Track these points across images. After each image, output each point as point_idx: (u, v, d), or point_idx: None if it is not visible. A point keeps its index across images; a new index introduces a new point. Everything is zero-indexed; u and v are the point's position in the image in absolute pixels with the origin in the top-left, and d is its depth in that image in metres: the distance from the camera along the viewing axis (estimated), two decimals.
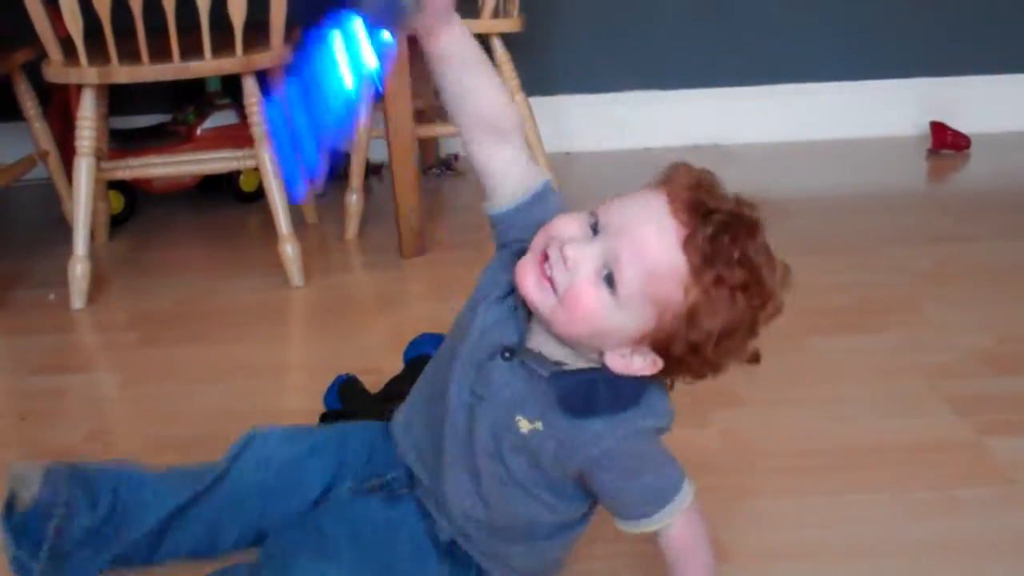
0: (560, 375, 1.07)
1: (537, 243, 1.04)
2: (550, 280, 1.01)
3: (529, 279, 1.02)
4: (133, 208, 2.82)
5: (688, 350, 1.02)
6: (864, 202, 2.79)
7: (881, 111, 3.29)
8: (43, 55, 2.24)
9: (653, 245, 0.99)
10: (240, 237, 2.71)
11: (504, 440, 1.09)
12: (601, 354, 1.05)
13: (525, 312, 1.08)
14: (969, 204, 2.77)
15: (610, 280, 1.00)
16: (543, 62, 3.13)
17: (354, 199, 2.58)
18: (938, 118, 3.19)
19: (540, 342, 1.08)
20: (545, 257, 1.02)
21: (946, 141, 3.16)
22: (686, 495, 1.11)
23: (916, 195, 2.93)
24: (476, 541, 1.16)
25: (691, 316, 1.00)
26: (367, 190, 2.68)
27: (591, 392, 1.07)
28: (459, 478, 1.13)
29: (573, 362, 1.08)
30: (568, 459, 1.08)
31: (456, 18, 1.09)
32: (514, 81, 2.62)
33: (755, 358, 1.08)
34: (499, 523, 1.15)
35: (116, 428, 1.81)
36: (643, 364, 1.05)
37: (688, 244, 0.98)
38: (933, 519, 1.39)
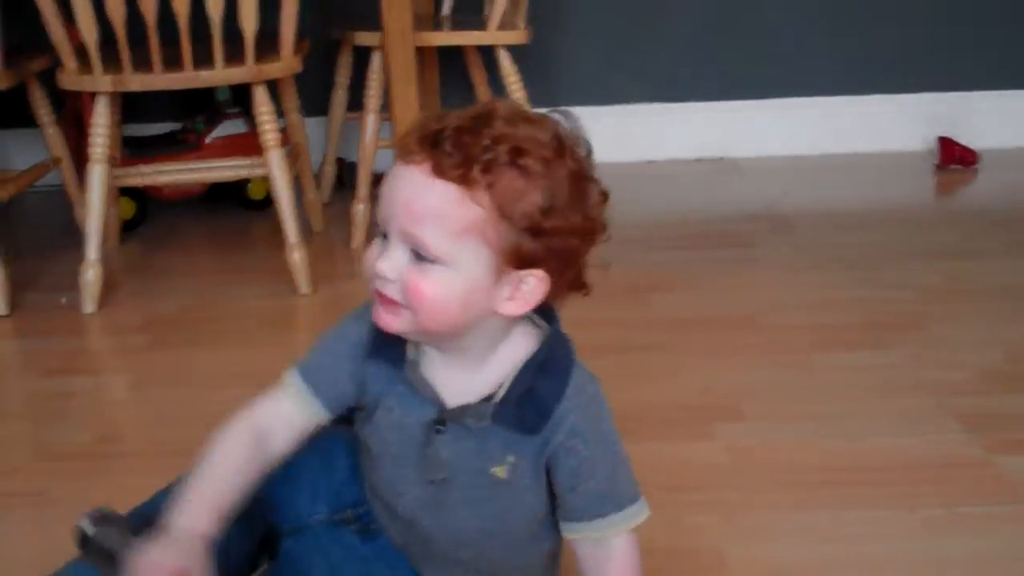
0: (498, 409, 1.03)
1: (370, 289, 1.03)
2: (392, 302, 0.99)
3: (381, 316, 1.01)
4: (144, 214, 2.84)
5: (536, 242, 0.97)
6: (871, 217, 2.79)
7: (889, 126, 3.29)
8: (58, 63, 2.26)
9: (415, 197, 0.96)
10: (248, 244, 2.73)
11: (485, 494, 1.07)
12: (497, 317, 1.02)
13: (402, 372, 1.06)
14: (977, 220, 2.77)
15: (420, 256, 0.97)
16: (549, 74, 3.14)
17: (361, 208, 2.60)
18: (946, 133, 3.19)
19: (443, 377, 1.05)
20: (378, 294, 1.00)
21: (954, 156, 3.16)
22: (643, 508, 1.08)
23: (924, 210, 2.93)
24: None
25: (503, 213, 0.96)
26: (373, 200, 2.69)
27: (533, 398, 1.04)
28: (450, 557, 1.12)
29: (495, 366, 1.05)
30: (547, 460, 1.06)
31: None
32: (520, 93, 2.63)
33: (605, 196, 1.03)
34: (499, 551, 1.13)
35: (125, 431, 1.82)
36: (529, 287, 1.00)
37: (437, 170, 0.96)
38: (940, 536, 1.39)
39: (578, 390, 1.05)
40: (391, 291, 0.99)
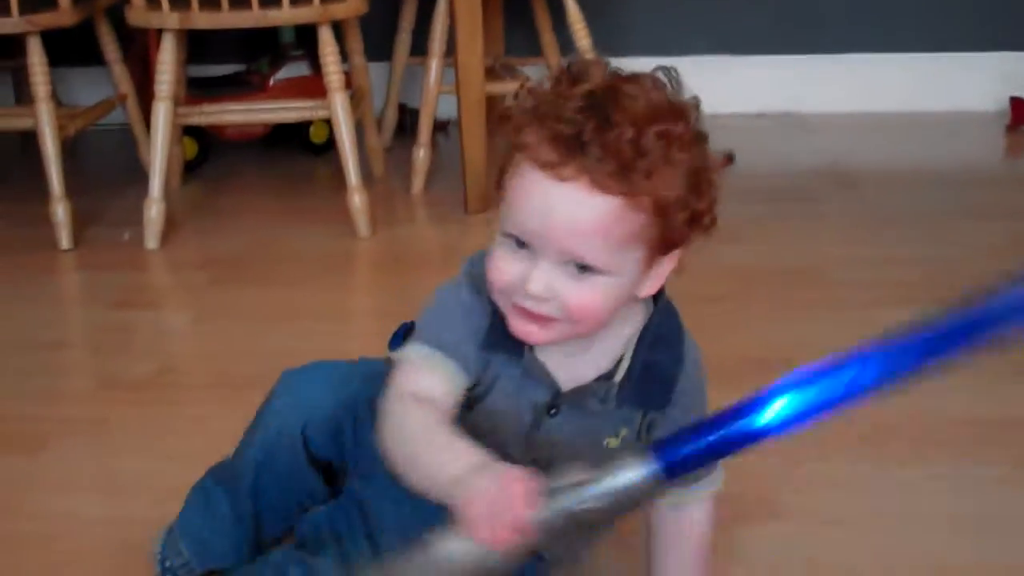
0: (621, 389, 1.00)
1: (503, 306, 0.96)
2: (542, 317, 0.94)
3: (525, 328, 0.95)
4: (206, 155, 2.87)
5: (686, 227, 0.94)
6: (938, 176, 2.75)
7: (959, 84, 3.23)
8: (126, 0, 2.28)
9: (578, 218, 0.89)
10: (309, 187, 2.75)
11: (592, 463, 1.06)
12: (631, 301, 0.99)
13: (519, 357, 1.00)
14: None
15: (583, 268, 0.91)
16: (614, 23, 3.12)
17: (421, 154, 2.60)
18: (1019, 93, 3.13)
19: (556, 359, 1.01)
20: (521, 310, 0.94)
21: None
22: (720, 475, 1.07)
23: (993, 171, 2.88)
24: None
25: (662, 212, 0.91)
26: (434, 146, 2.70)
27: (655, 374, 1.01)
28: None
29: (607, 343, 1.01)
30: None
31: None
32: (585, 40, 2.61)
33: (730, 159, 1.01)
34: None
35: (185, 363, 1.85)
36: (664, 265, 0.97)
37: (598, 185, 0.88)
38: (1005, 493, 1.37)
39: (689, 360, 1.03)
40: (545, 309, 0.93)
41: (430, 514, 0.98)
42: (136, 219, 2.31)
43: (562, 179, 0.89)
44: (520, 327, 0.95)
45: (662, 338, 1.01)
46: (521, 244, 0.92)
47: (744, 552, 1.25)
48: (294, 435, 1.16)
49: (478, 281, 0.99)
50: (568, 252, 0.90)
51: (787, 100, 3.24)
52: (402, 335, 1.67)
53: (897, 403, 1.57)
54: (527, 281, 0.92)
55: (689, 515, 1.07)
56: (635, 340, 1.00)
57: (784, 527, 1.30)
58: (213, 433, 1.46)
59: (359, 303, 2.14)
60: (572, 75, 0.93)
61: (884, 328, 1.89)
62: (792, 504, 1.34)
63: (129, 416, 1.61)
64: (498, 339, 0.99)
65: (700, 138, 0.94)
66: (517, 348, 0.99)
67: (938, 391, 1.61)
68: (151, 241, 2.29)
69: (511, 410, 1.02)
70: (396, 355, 1.02)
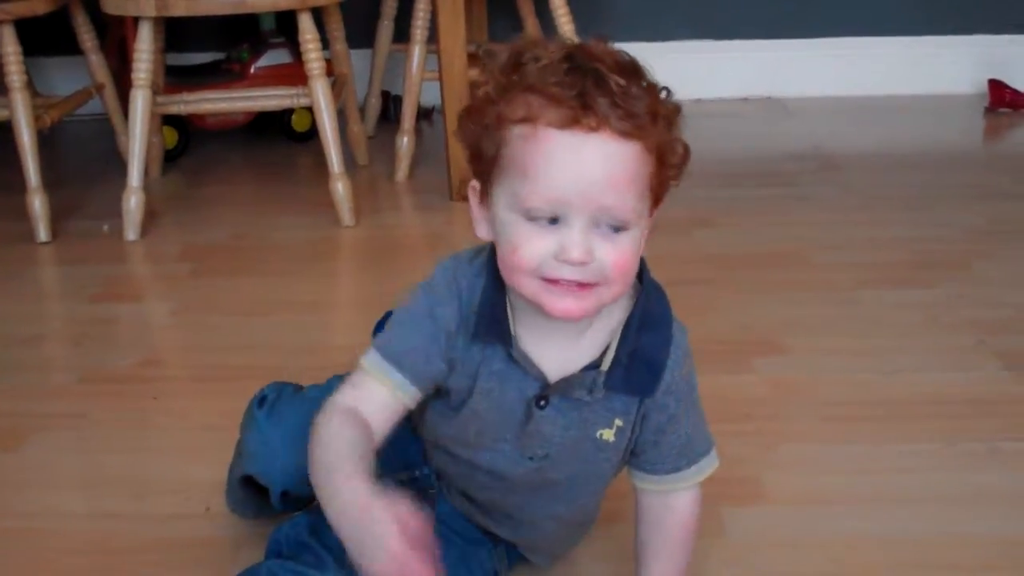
0: (608, 376, 0.99)
1: (531, 289, 0.93)
2: (581, 286, 0.91)
3: (563, 304, 0.92)
4: (186, 145, 2.85)
5: (670, 183, 0.95)
6: (919, 159, 2.75)
7: (939, 68, 3.24)
8: None
9: (615, 169, 0.89)
10: (291, 176, 2.73)
11: (591, 459, 1.04)
12: None
13: (502, 350, 0.99)
14: None
15: (614, 226, 0.90)
16: (596, 8, 3.11)
17: (405, 141, 2.59)
18: (997, 76, 3.14)
19: (541, 350, 0.99)
20: (557, 283, 0.92)
21: (1004, 99, 3.11)
22: (713, 460, 1.07)
23: (972, 153, 2.90)
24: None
25: (663, 160, 0.92)
26: (418, 133, 2.69)
27: (642, 359, 0.99)
28: (540, 520, 1.11)
29: (597, 332, 1.00)
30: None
31: None
32: (569, 27, 2.60)
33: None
34: (586, 504, 1.12)
35: (167, 356, 1.84)
36: (649, 226, 0.97)
37: (619, 132, 0.88)
38: (979, 471, 1.38)
39: (677, 344, 1.01)
40: (585, 275, 0.91)
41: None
42: (115, 210, 2.29)
43: (591, 130, 0.88)
44: (557, 304, 0.92)
45: (650, 320, 0.99)
46: (544, 218, 0.90)
47: (729, 531, 1.25)
48: None
49: (450, 275, 0.99)
50: (603, 209, 0.89)
51: (769, 84, 3.24)
52: (385, 324, 1.67)
53: (875, 383, 1.59)
54: (565, 249, 0.89)
55: (676, 501, 1.07)
56: (622, 326, 0.99)
57: (767, 508, 1.30)
58: (196, 426, 1.46)
59: (343, 293, 2.14)
60: (518, 51, 0.92)
61: (867, 308, 1.91)
62: (775, 485, 1.34)
63: (110, 410, 1.60)
64: (486, 325, 0.98)
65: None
66: (507, 333, 0.98)
67: (915, 370, 1.64)
68: (131, 232, 2.28)
69: (499, 406, 1.01)
70: (359, 361, 1.01)
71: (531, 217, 0.90)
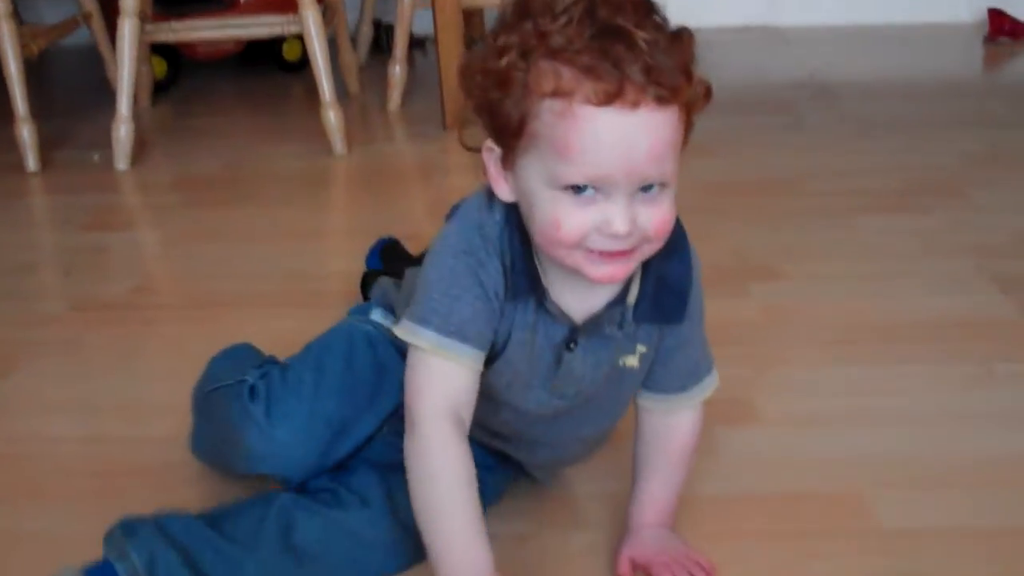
0: (636, 308, 0.98)
1: (572, 259, 0.91)
2: (623, 253, 0.90)
3: (606, 271, 0.90)
4: (176, 75, 2.82)
5: (693, 121, 0.92)
6: (917, 87, 2.73)
7: None
8: None
9: (655, 140, 0.86)
10: (283, 105, 2.71)
11: (616, 386, 1.04)
12: None
13: (534, 302, 0.98)
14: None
15: (653, 188, 0.88)
16: None
17: (397, 70, 2.56)
18: (996, 5, 3.10)
19: (568, 295, 0.98)
20: (599, 254, 0.90)
21: (1003, 29, 3.08)
22: (715, 379, 1.08)
23: (970, 82, 2.88)
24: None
25: (689, 113, 0.90)
26: (411, 62, 2.66)
27: (667, 286, 0.99)
28: (564, 443, 1.11)
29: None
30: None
31: None
32: None
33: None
34: (603, 432, 1.12)
35: (159, 284, 1.83)
36: None
37: (660, 100, 0.85)
38: (973, 392, 1.38)
39: (695, 267, 1.01)
40: (628, 244, 0.89)
41: None
42: (105, 140, 2.27)
43: (633, 106, 0.84)
44: (600, 272, 0.90)
45: (670, 246, 0.96)
46: (582, 189, 0.87)
47: (721, 451, 1.25)
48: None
49: (477, 233, 0.96)
50: (648, 178, 0.87)
51: (767, 13, 3.21)
52: (378, 250, 1.66)
53: (871, 308, 1.59)
54: (609, 223, 0.87)
55: (680, 420, 1.07)
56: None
57: (761, 429, 1.30)
58: (187, 353, 1.44)
59: (336, 221, 2.12)
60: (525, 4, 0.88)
61: (863, 234, 1.90)
62: (768, 407, 1.34)
63: (102, 337, 1.59)
64: (518, 283, 0.96)
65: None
66: (537, 292, 0.96)
67: (912, 294, 1.63)
68: (121, 162, 2.26)
69: (531, 356, 1.00)
70: (409, 339, 0.96)
71: (570, 190, 0.88)
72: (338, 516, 1.05)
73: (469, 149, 0.97)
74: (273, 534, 1.03)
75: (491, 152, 0.93)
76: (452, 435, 0.94)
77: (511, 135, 0.89)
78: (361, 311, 1.18)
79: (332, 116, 2.29)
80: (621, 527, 1.09)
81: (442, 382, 0.95)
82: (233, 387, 1.13)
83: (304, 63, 2.61)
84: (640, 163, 0.86)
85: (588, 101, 0.84)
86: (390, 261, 1.65)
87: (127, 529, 1.01)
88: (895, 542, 1.10)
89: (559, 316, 0.98)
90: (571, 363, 1.00)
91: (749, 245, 1.82)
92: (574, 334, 0.98)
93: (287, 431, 1.08)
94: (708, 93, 0.92)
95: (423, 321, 0.96)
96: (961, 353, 1.46)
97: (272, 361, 1.19)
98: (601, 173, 0.86)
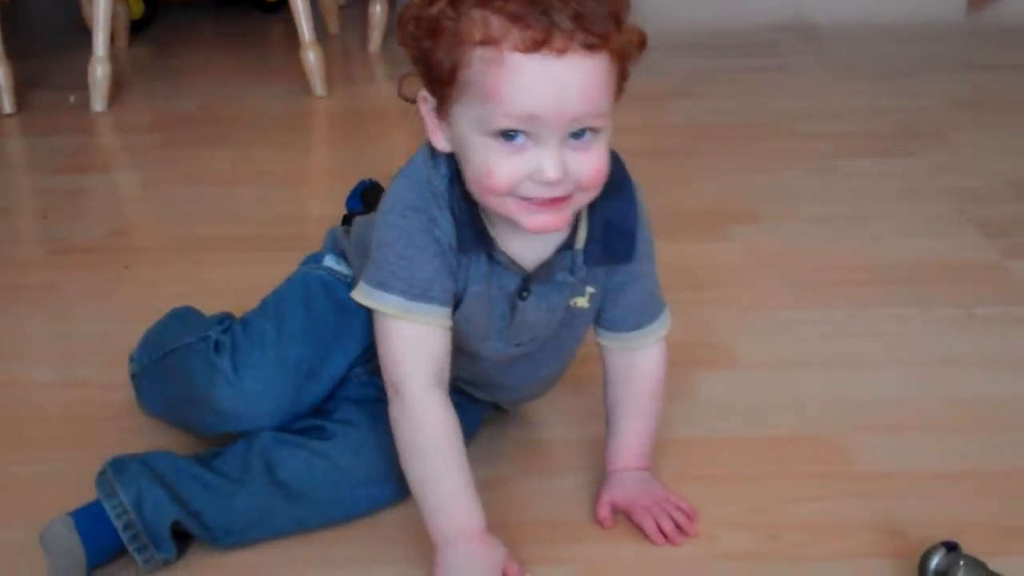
0: (586, 252, 0.99)
1: (505, 208, 0.90)
2: (557, 200, 0.90)
3: (543, 220, 0.90)
4: (153, 14, 2.78)
5: (628, 70, 0.92)
6: (902, 29, 2.72)
7: None
8: None
9: (586, 85, 0.86)
10: (262, 46, 2.68)
11: (568, 327, 1.05)
12: None
13: (486, 252, 0.97)
14: (1010, 34, 2.70)
15: (585, 134, 0.88)
16: None
17: (378, 10, 2.53)
18: None
19: (517, 244, 0.97)
20: (533, 202, 0.89)
21: None
22: (668, 316, 1.08)
23: (956, 24, 2.86)
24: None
25: (623, 56, 0.89)
26: (391, 2, 2.62)
27: (614, 226, 0.99)
28: (522, 384, 1.12)
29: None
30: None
31: None
32: None
33: None
34: (560, 366, 1.13)
35: (138, 227, 1.81)
36: None
37: (589, 46, 0.85)
38: (954, 335, 1.38)
39: (639, 204, 1.01)
40: (561, 190, 0.89)
41: None
42: (81, 81, 2.24)
43: (560, 52, 0.84)
44: (535, 221, 0.90)
45: (612, 186, 0.96)
46: (513, 137, 0.87)
47: (700, 395, 1.25)
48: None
49: (426, 187, 0.95)
50: (577, 123, 0.87)
51: None
52: (359, 192, 1.64)
53: (852, 251, 1.59)
54: (541, 170, 0.87)
55: (641, 358, 1.08)
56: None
57: (740, 372, 1.30)
58: (165, 296, 1.44)
59: (316, 163, 2.10)
60: None
61: (846, 177, 1.90)
62: (748, 350, 1.34)
63: (80, 280, 1.58)
64: (467, 235, 0.96)
65: None
66: (486, 245, 0.96)
67: (894, 237, 1.63)
68: (98, 103, 2.23)
69: (486, 307, 1.00)
70: (375, 305, 0.96)
71: (501, 137, 0.87)
72: (322, 447, 1.05)
73: (407, 100, 0.96)
74: (259, 470, 1.03)
75: (426, 102, 0.93)
76: (440, 402, 0.95)
77: (444, 83, 0.89)
78: (314, 259, 1.16)
79: (312, 56, 2.26)
80: (601, 471, 1.09)
81: (420, 348, 0.96)
82: (195, 344, 1.13)
83: (283, 2, 2.58)
84: (569, 108, 0.86)
85: (516, 48, 0.84)
86: (371, 204, 1.63)
87: (117, 466, 1.01)
88: (873, 484, 1.10)
89: (510, 265, 0.98)
90: (524, 312, 1.00)
91: (731, 188, 1.81)
92: (526, 283, 0.99)
93: (256, 380, 1.07)
94: (642, 42, 0.92)
95: (385, 286, 0.96)
96: (942, 297, 1.46)
97: (230, 316, 1.18)
98: (529, 116, 0.86)
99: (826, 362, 1.33)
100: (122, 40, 2.59)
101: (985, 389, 1.27)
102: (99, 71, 2.22)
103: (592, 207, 0.97)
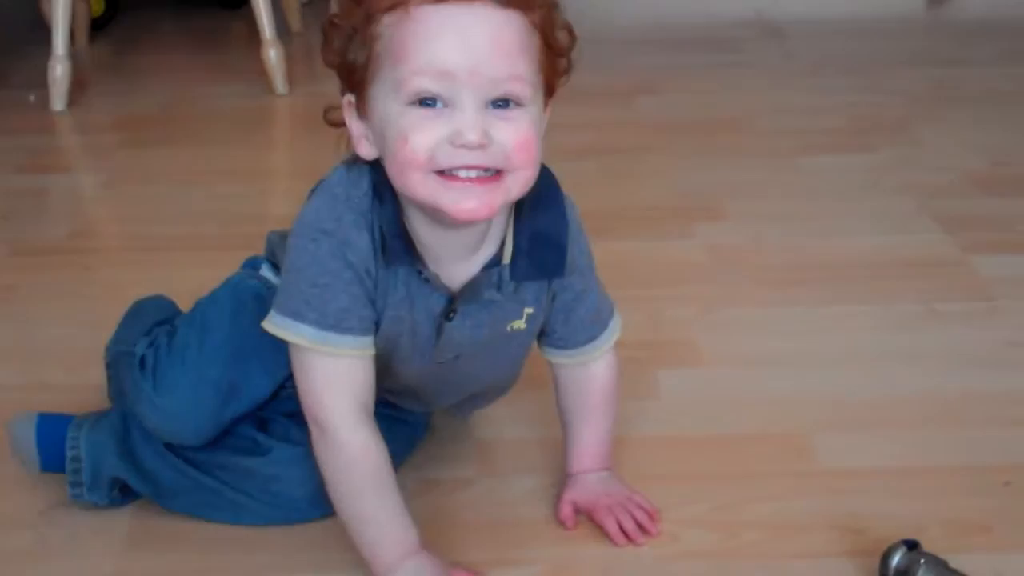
0: (512, 267, 0.95)
1: (429, 191, 0.86)
2: (483, 180, 0.85)
3: (472, 203, 0.85)
4: (114, 12, 2.76)
5: (561, 69, 0.90)
6: (863, 25, 2.74)
7: None
8: None
9: (499, 36, 0.83)
10: (223, 44, 2.66)
11: (502, 347, 1.02)
12: None
13: (409, 269, 0.93)
14: (971, 30, 2.72)
15: (507, 104, 0.85)
16: None
17: None
18: None
19: (442, 262, 0.94)
20: (454, 177, 0.85)
21: None
22: (619, 321, 1.06)
23: (917, 20, 2.88)
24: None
25: (547, 31, 0.87)
26: None
27: (543, 240, 0.95)
28: (455, 401, 1.11)
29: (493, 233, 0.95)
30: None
31: None
32: None
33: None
34: (495, 387, 1.11)
35: (99, 227, 1.80)
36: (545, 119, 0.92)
37: (499, 1, 0.84)
38: (915, 330, 1.39)
39: (571, 219, 0.98)
40: (486, 159, 0.84)
41: None
42: (41, 80, 2.22)
43: (468, 0, 0.83)
44: (460, 206, 0.85)
45: (540, 199, 0.94)
46: (431, 103, 0.84)
47: (663, 393, 1.25)
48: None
49: (344, 207, 0.91)
50: (494, 81, 0.83)
51: None
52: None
53: (814, 247, 1.60)
54: (459, 132, 0.83)
55: (596, 368, 1.06)
56: (513, 213, 0.95)
57: (703, 370, 1.31)
58: (127, 297, 1.42)
59: (277, 163, 2.09)
60: None
61: (809, 174, 1.91)
62: (711, 348, 1.35)
63: (40, 282, 1.56)
64: (395, 253, 0.91)
65: None
66: (412, 259, 0.92)
67: (855, 233, 1.64)
68: (58, 103, 2.21)
69: (409, 328, 0.96)
70: (288, 337, 0.92)
71: (417, 100, 0.84)
72: (254, 465, 1.05)
73: (333, 125, 0.94)
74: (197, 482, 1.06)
75: (349, 105, 0.91)
76: (368, 439, 0.93)
77: (360, 72, 0.87)
78: (252, 264, 1.13)
79: (273, 54, 2.25)
80: (563, 472, 1.09)
81: (340, 383, 0.92)
82: (126, 357, 1.12)
83: (244, 0, 2.56)
84: (482, 58, 0.83)
85: (423, 1, 0.83)
86: None
87: (101, 416, 1.10)
88: (834, 482, 1.11)
89: (435, 284, 0.94)
90: (451, 332, 0.97)
91: (694, 185, 1.82)
92: (452, 303, 0.95)
93: (174, 401, 1.05)
94: (572, 35, 0.90)
95: (297, 315, 0.92)
96: (903, 292, 1.47)
97: (164, 322, 1.16)
98: (441, 68, 0.82)
99: (789, 359, 1.33)
100: (82, 38, 2.57)
101: (947, 385, 1.28)
102: (59, 70, 2.19)
103: (519, 220, 0.95)
